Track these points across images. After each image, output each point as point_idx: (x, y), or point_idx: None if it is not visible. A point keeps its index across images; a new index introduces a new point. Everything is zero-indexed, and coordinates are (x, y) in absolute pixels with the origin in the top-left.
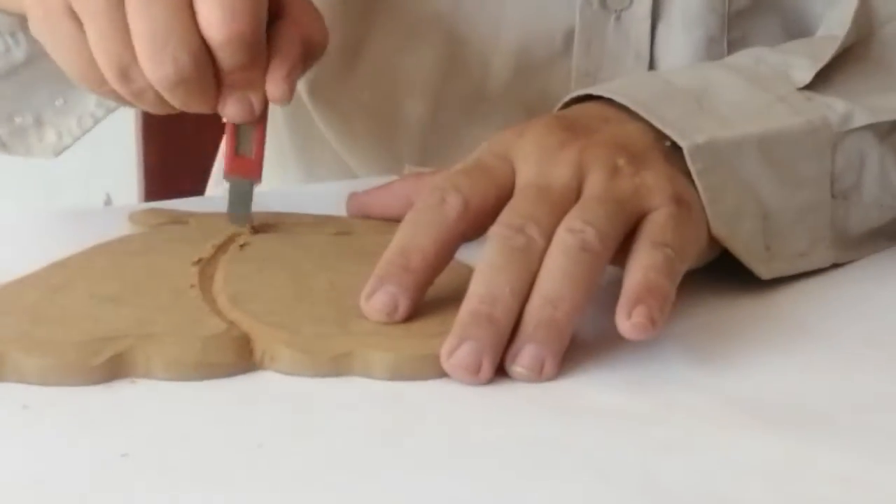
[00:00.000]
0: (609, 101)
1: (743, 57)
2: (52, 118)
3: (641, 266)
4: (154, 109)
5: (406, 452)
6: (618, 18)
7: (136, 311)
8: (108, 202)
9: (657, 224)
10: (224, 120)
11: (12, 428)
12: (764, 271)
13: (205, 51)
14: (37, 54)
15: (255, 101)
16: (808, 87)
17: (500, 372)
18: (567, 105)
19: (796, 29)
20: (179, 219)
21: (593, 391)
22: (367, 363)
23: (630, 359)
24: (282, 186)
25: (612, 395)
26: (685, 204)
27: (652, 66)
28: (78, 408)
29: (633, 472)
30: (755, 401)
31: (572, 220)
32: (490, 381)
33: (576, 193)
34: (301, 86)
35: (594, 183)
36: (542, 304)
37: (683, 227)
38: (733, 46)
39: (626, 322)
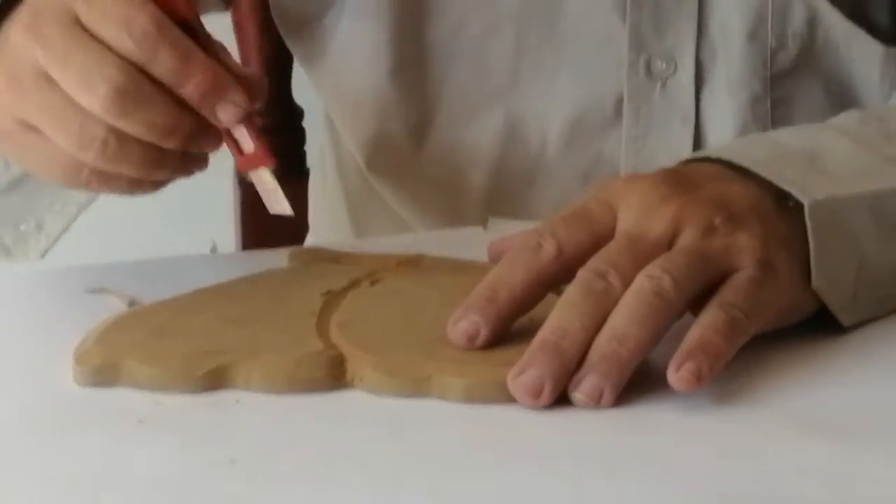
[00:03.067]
0: (721, 162)
1: (846, 118)
2: (50, 223)
3: (703, 324)
4: (132, 167)
5: (483, 458)
6: (663, 85)
7: (250, 331)
8: (214, 250)
9: (734, 286)
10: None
11: (130, 440)
12: (846, 319)
13: (131, 65)
14: None
15: (239, 99)
16: None
17: (567, 400)
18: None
19: (836, 88)
20: (335, 257)
21: (657, 409)
22: (444, 386)
23: None
24: (421, 231)
25: (675, 411)
26: (770, 268)
27: (698, 128)
28: (189, 421)
29: (700, 474)
30: (815, 415)
31: (653, 267)
32: (553, 406)
33: (667, 247)
34: (360, 159)
35: (686, 238)
36: (608, 339)
37: (761, 291)
38: (777, 106)
39: (675, 374)
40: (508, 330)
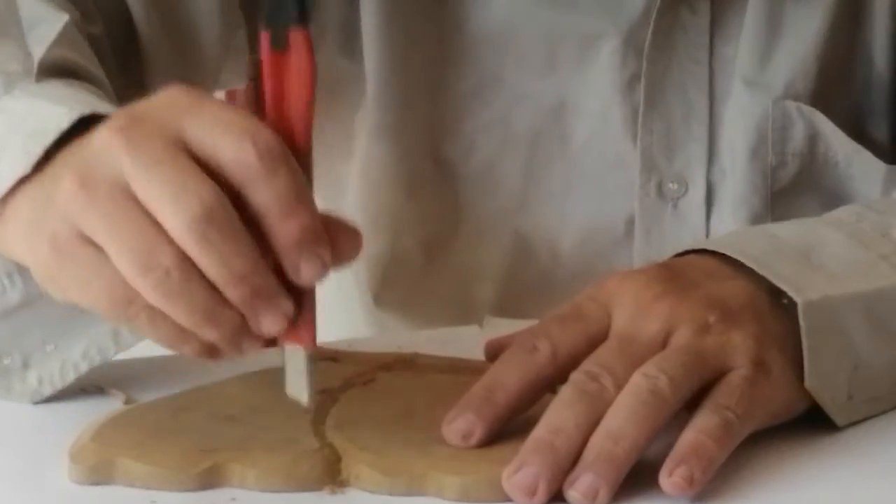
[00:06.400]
0: (717, 254)
1: (843, 213)
2: (39, 362)
3: (696, 428)
4: (185, 311)
5: None
6: (674, 206)
7: (245, 429)
8: None
9: (728, 386)
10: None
11: None
12: (841, 419)
13: (224, 194)
14: (32, 297)
15: (328, 257)
16: None
17: (563, 499)
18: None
19: (837, 206)
20: (331, 355)
21: None
22: (440, 485)
23: None
24: (417, 330)
25: None
26: (764, 368)
27: None
28: None
29: None
30: None
31: (649, 366)
32: None
33: (661, 346)
34: (366, 275)
35: (680, 336)
36: (604, 438)
37: (755, 391)
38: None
39: (667, 479)
40: (504, 429)
